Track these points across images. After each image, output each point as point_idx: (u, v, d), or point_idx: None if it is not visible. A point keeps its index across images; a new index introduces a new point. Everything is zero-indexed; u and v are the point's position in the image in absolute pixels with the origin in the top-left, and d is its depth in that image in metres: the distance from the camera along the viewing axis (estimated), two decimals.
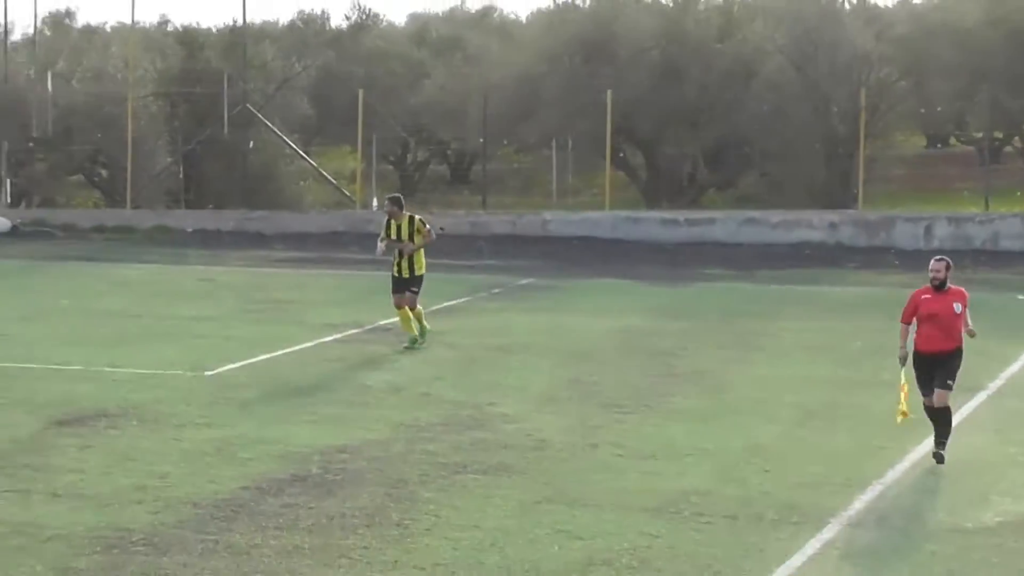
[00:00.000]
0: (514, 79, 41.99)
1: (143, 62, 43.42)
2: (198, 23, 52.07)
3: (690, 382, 17.86)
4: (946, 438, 13.68)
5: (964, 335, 13.88)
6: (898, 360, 14.09)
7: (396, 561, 10.52)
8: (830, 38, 38.88)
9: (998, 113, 40.78)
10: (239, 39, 43.60)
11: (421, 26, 56.10)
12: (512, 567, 10.45)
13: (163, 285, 28.45)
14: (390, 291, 20.47)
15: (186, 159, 42.40)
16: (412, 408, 16.00)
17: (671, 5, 43.10)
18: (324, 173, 42.77)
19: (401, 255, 20.22)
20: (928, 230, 34.37)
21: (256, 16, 77.21)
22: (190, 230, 38.62)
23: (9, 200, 42.09)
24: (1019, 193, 38.44)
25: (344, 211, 39.21)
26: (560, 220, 37.22)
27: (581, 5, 44.27)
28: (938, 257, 14.07)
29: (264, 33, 46.89)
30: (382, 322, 20.34)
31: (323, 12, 57.95)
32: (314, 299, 25.93)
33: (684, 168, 42.19)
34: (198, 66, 42.61)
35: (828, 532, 11.41)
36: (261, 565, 10.41)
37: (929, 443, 13.88)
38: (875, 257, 32.36)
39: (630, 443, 14.40)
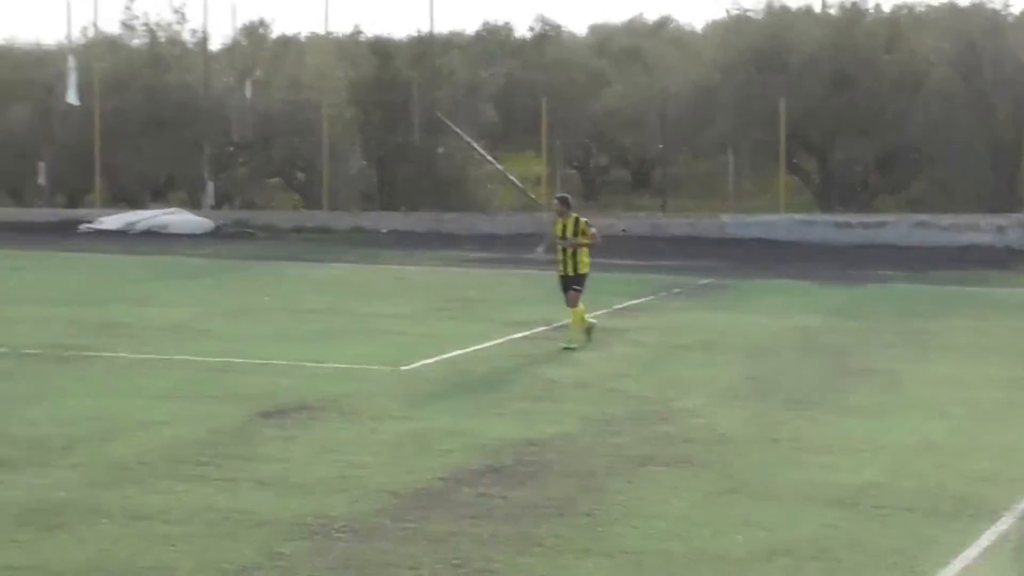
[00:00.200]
0: (691, 87, 42.94)
1: (336, 71, 44.47)
2: (389, 34, 53.29)
3: (864, 379, 18.02)
4: None
5: None
6: None
7: (587, 549, 10.71)
8: (994, 50, 39.03)
9: None
10: (428, 49, 44.50)
11: (601, 37, 56.66)
12: (698, 556, 10.61)
13: (359, 284, 29.25)
14: (561, 291, 20.91)
15: (379, 163, 43.49)
16: (598, 403, 16.34)
17: (840, 17, 43.14)
18: (511, 177, 43.41)
19: (565, 252, 20.63)
20: None
21: (443, 26, 78.35)
22: (384, 231, 39.54)
23: (213, 202, 43.42)
24: None
25: (531, 213, 39.89)
26: (737, 223, 37.82)
27: (754, 17, 44.50)
28: None
29: (451, 43, 47.71)
30: (568, 320, 20.81)
31: (507, 23, 58.90)
32: (503, 297, 26.45)
33: (856, 173, 42.23)
34: (389, 74, 43.52)
35: (1002, 525, 11.50)
36: (458, 552, 10.58)
37: None
38: None
39: (808, 437, 14.64)
